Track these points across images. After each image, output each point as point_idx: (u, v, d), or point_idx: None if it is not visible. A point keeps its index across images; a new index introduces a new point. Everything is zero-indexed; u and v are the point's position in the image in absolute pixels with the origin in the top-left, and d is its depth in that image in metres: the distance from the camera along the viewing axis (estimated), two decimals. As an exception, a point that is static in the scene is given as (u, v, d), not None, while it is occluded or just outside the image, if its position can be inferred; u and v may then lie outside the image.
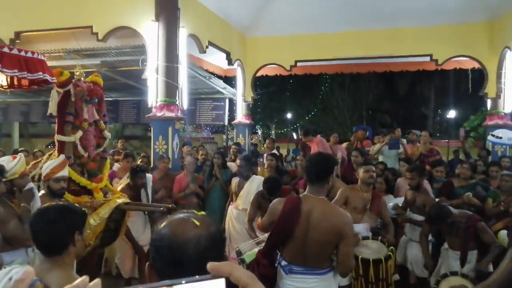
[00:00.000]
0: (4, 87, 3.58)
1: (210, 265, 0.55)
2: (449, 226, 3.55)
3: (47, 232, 1.65)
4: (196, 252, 0.94)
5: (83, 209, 1.86)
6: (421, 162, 6.26)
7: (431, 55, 8.04)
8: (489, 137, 7.23)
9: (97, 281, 0.51)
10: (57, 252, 1.67)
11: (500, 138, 6.93)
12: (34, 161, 3.95)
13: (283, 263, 2.62)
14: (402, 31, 8.12)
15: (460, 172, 5.09)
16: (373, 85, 22.43)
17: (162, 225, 1.00)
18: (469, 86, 8.95)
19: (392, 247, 3.24)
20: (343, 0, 7.62)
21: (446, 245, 3.72)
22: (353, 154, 5.68)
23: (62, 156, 3.43)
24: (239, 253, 3.21)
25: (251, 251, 3.10)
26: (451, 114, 17.91)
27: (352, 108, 22.83)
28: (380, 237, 3.37)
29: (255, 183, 4.66)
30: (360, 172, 3.88)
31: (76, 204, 1.86)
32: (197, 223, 0.98)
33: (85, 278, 0.51)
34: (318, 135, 6.42)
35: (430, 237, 4.01)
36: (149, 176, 4.85)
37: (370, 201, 3.83)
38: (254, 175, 4.90)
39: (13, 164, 2.97)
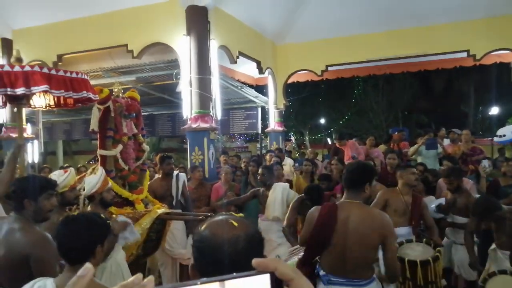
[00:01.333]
0: (52, 106, 3.79)
1: (255, 261, 0.56)
2: (498, 221, 3.37)
3: (70, 242, 1.72)
4: (235, 251, 0.98)
5: (107, 221, 1.91)
6: (463, 162, 6.05)
7: (468, 51, 7.76)
8: (495, 139, 6.87)
9: (151, 277, 0.54)
10: (79, 261, 1.72)
11: (504, 136, 6.61)
12: (79, 176, 4.13)
13: (322, 272, 2.56)
14: (435, 28, 7.89)
15: (506, 170, 4.87)
16: (408, 85, 21.77)
17: (203, 227, 1.05)
18: (511, 80, 8.53)
19: (439, 248, 3.12)
20: (372, 1, 7.52)
21: (493, 246, 3.54)
22: (389, 156, 5.56)
23: (101, 169, 3.58)
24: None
25: (291, 261, 3.10)
26: (494, 110, 17.10)
27: (387, 109, 22.26)
28: (424, 239, 3.26)
29: (278, 190, 4.55)
30: (405, 174, 3.79)
31: (102, 216, 1.92)
32: (235, 224, 1.02)
33: (139, 275, 0.54)
34: (350, 140, 6.36)
35: (475, 239, 3.84)
36: (183, 175, 5.11)
37: (410, 204, 3.74)
38: (275, 183, 4.72)
39: (63, 177, 3.14)
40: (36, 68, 2.79)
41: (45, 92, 2.94)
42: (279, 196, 4.45)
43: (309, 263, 2.70)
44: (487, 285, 2.85)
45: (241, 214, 1.08)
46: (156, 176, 5.21)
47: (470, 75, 21.08)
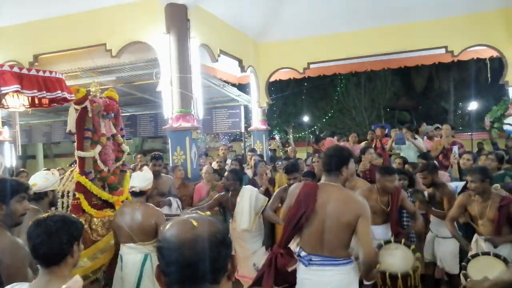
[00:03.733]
0: (26, 106, 3.68)
1: None
2: (484, 196, 3.45)
3: (47, 243, 1.65)
4: (194, 253, 0.95)
5: (80, 219, 1.86)
6: (444, 156, 6.16)
7: (446, 47, 7.89)
8: (505, 127, 7.07)
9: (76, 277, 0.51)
10: (55, 263, 1.66)
11: None
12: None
13: (303, 253, 2.61)
14: (415, 25, 8.00)
15: (485, 163, 4.94)
16: (390, 83, 22.09)
17: (165, 227, 1.02)
18: (488, 75, 8.72)
19: (418, 253, 3.07)
20: (352, -1, 7.58)
21: (475, 238, 3.59)
22: (369, 151, 5.60)
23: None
24: (254, 265, 3.22)
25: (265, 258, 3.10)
26: (473, 106, 17.44)
27: (370, 107, 22.51)
28: (403, 240, 3.21)
29: (246, 197, 4.24)
30: (382, 180, 3.72)
31: (74, 216, 1.86)
32: (195, 223, 0.99)
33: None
34: (328, 138, 6.42)
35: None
36: (170, 177, 5.18)
37: (389, 203, 3.72)
38: (243, 187, 4.41)
39: (54, 177, 3.24)
40: (6, 68, 2.69)
41: (17, 92, 2.83)
42: (247, 205, 4.17)
43: (286, 243, 2.73)
44: (469, 265, 2.86)
45: (208, 213, 1.06)
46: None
47: (450, 72, 21.50)
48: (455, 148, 5.57)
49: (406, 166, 5.34)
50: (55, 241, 1.65)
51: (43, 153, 17.94)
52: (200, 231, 0.98)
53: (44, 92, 2.87)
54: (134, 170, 6.43)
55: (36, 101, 3.44)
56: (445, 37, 7.85)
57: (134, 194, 3.48)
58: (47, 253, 1.65)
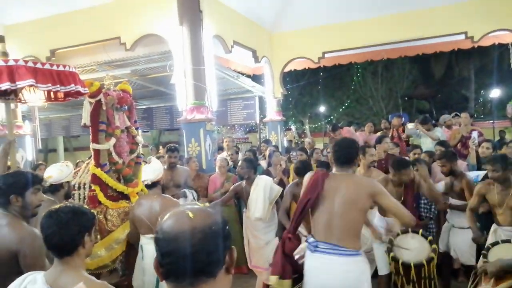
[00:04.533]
0: (43, 101, 3.75)
1: None
2: (504, 184, 3.35)
3: (59, 234, 1.68)
4: (189, 244, 0.94)
5: (95, 210, 1.88)
6: (463, 145, 6.02)
7: (465, 33, 7.63)
8: None
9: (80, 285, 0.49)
10: (68, 253, 1.70)
11: None
12: (74, 171, 4.11)
13: (311, 239, 2.62)
14: (432, 10, 7.76)
15: (507, 151, 4.83)
16: (408, 71, 21.65)
17: (163, 218, 1.01)
18: (511, 61, 8.43)
19: (434, 245, 3.02)
20: (367, -15, 7.41)
21: (494, 227, 3.50)
22: (385, 140, 5.53)
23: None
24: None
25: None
26: (495, 93, 16.91)
27: (387, 96, 22.15)
28: (420, 231, 3.16)
29: (260, 186, 4.23)
30: (399, 175, 3.70)
31: (85, 207, 1.89)
32: (191, 215, 0.97)
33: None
34: (345, 127, 6.34)
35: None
36: (186, 168, 5.23)
37: (402, 194, 3.70)
38: (258, 177, 4.41)
39: (69, 169, 3.36)
40: (21, 62, 2.73)
41: (32, 86, 2.88)
42: (261, 194, 4.17)
43: (295, 228, 2.78)
44: (490, 253, 2.79)
45: (206, 204, 1.05)
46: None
47: (470, 59, 20.89)
48: (474, 134, 5.45)
49: (423, 155, 5.23)
50: (66, 232, 1.68)
51: (63, 146, 18.35)
52: (196, 222, 0.96)
53: (58, 86, 2.91)
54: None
55: (52, 95, 3.49)
56: (465, 22, 7.59)
57: (148, 187, 3.55)
58: (59, 243, 1.68)
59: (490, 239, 3.39)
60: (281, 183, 5.05)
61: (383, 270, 3.54)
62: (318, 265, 2.53)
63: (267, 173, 5.59)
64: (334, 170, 2.73)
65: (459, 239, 3.92)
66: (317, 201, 2.59)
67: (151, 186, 3.52)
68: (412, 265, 2.83)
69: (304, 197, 2.66)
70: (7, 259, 2.06)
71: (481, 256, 2.87)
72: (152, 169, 3.56)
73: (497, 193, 3.43)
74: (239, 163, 4.64)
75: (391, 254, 2.87)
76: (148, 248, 3.39)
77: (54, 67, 2.97)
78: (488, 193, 3.51)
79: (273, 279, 2.77)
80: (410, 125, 7.15)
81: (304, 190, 2.71)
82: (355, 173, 2.79)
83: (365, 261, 2.56)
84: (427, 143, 6.34)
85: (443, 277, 3.98)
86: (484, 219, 3.82)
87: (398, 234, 3.13)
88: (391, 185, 3.73)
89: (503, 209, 3.40)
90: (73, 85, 3.11)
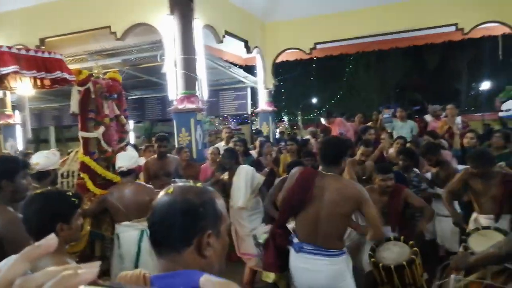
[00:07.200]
0: (30, 88, 3.73)
1: None
2: (485, 177, 3.38)
3: (34, 220, 1.71)
4: (162, 217, 1.00)
5: (72, 199, 1.83)
6: (450, 136, 6.09)
7: (456, 24, 7.68)
8: (500, 113, 7.04)
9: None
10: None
11: (509, 110, 6.73)
12: (63, 159, 4.10)
13: (295, 240, 2.63)
14: (423, 2, 7.80)
15: (492, 141, 4.89)
16: (400, 62, 21.70)
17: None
18: (500, 53, 8.50)
19: (416, 248, 2.89)
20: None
21: (474, 215, 3.57)
22: (370, 132, 5.58)
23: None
24: (255, 238, 3.26)
25: (265, 232, 3.13)
26: (485, 86, 17.07)
27: (379, 88, 22.24)
28: (403, 237, 3.04)
29: (242, 176, 4.15)
30: (377, 180, 3.45)
31: (70, 193, 1.86)
32: (171, 190, 1.02)
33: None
34: (338, 118, 6.36)
35: (459, 210, 3.87)
36: (176, 157, 5.15)
37: (387, 203, 3.41)
38: (240, 166, 4.29)
39: (56, 156, 3.37)
40: (5, 49, 2.72)
41: (16, 73, 2.87)
42: (242, 183, 4.09)
43: (284, 223, 2.78)
44: (470, 239, 2.83)
45: (199, 184, 1.07)
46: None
47: (462, 51, 20.98)
48: (458, 119, 5.52)
49: (408, 144, 5.26)
50: (40, 218, 1.70)
51: (55, 137, 18.22)
52: (168, 197, 1.01)
53: (43, 72, 2.90)
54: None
55: (38, 82, 3.47)
56: (455, 14, 7.64)
57: (123, 174, 3.55)
58: (35, 229, 1.70)
59: (470, 227, 3.44)
60: (272, 173, 5.08)
61: (368, 267, 3.54)
62: (303, 265, 2.56)
63: (258, 162, 5.61)
64: (320, 168, 2.66)
65: (443, 226, 4.01)
66: (305, 201, 2.56)
67: (126, 173, 3.53)
68: (392, 268, 2.76)
69: (292, 194, 2.62)
70: None
71: (461, 240, 2.92)
72: (128, 156, 3.58)
73: (480, 183, 3.49)
74: (221, 153, 4.61)
75: (372, 259, 2.87)
76: (124, 236, 3.41)
77: (39, 54, 2.97)
78: (471, 180, 3.55)
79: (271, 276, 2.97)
80: (385, 114, 7.29)
81: (291, 185, 2.65)
82: (342, 176, 2.70)
83: (348, 258, 2.63)
84: (402, 134, 6.43)
85: (431, 265, 4.04)
86: (467, 208, 3.90)
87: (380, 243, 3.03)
88: (375, 194, 3.42)
89: (485, 198, 3.45)
90: (59, 72, 3.11)
